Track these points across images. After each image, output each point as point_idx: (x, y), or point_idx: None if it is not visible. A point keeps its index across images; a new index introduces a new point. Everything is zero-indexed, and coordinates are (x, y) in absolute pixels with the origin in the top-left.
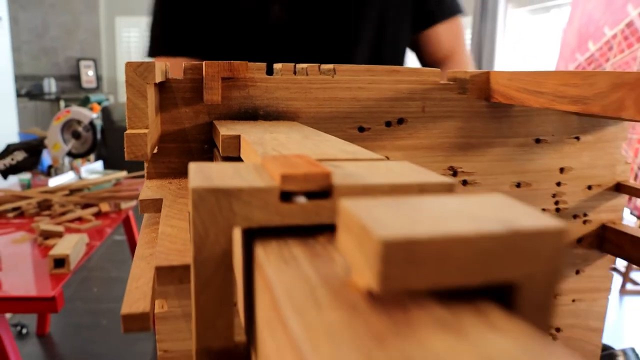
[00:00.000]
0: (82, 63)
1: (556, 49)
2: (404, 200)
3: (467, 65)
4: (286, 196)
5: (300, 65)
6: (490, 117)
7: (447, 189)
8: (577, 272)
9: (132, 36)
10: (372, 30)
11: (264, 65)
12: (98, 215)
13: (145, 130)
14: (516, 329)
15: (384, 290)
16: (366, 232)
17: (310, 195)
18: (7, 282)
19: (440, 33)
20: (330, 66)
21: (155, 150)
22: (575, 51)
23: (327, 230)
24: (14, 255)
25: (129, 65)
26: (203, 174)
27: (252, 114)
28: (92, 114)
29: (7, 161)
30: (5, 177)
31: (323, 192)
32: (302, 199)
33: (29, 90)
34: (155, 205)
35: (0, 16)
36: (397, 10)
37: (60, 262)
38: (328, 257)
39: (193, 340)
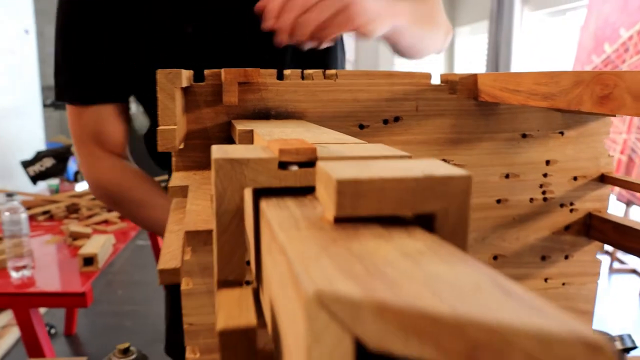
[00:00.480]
0: None
1: (573, 51)
2: (362, 161)
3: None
4: (283, 165)
5: (307, 71)
6: (479, 115)
7: (402, 158)
8: (566, 257)
9: None
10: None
11: (274, 71)
12: (123, 217)
13: (174, 126)
14: (428, 239)
15: (340, 215)
16: (329, 177)
17: (301, 164)
18: (41, 279)
19: None
20: (333, 71)
21: (181, 146)
22: (592, 53)
23: (313, 191)
24: (46, 255)
25: (161, 72)
26: (222, 150)
27: (264, 114)
28: None
29: (37, 167)
30: (35, 182)
31: (310, 162)
32: (294, 167)
33: (54, 101)
34: (182, 191)
35: (27, 30)
36: None
37: (89, 260)
38: (311, 206)
39: (214, 273)
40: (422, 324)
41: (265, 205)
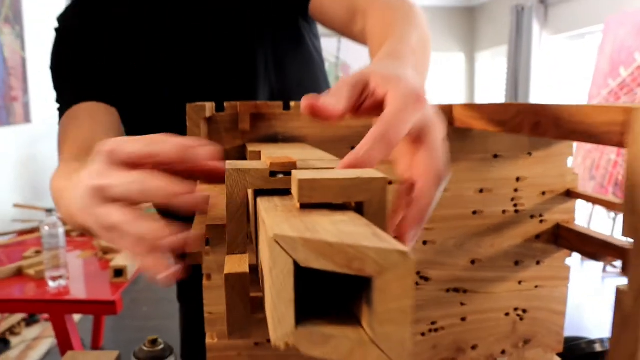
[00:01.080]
0: None
1: (590, 74)
2: (324, 170)
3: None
4: (273, 174)
5: None
6: (455, 138)
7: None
8: (538, 263)
9: None
10: (269, 66)
11: (281, 103)
12: None
13: None
14: (352, 215)
15: (302, 202)
16: (295, 179)
17: (285, 173)
18: (75, 289)
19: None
20: None
21: None
22: (608, 77)
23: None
24: (79, 267)
25: (190, 106)
26: (232, 164)
27: (273, 138)
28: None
29: None
30: None
31: (291, 171)
32: (280, 175)
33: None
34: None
35: None
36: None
37: (119, 272)
38: (289, 200)
39: (226, 248)
40: (325, 249)
41: (260, 200)
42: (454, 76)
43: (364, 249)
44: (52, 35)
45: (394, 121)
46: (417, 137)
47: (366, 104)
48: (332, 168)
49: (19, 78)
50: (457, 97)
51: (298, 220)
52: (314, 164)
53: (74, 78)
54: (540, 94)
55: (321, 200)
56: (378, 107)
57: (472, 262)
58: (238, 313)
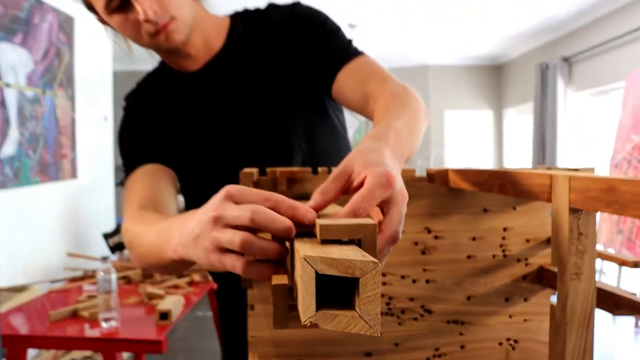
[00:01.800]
0: None
1: (614, 130)
2: (335, 219)
3: (393, 101)
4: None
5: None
6: (450, 196)
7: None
8: (525, 300)
9: None
10: (301, 138)
11: (310, 169)
12: (190, 283)
13: None
14: (354, 248)
15: (322, 238)
16: (318, 224)
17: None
18: (124, 329)
19: (344, 83)
20: None
21: None
22: (631, 132)
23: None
24: (127, 311)
25: (242, 172)
26: None
27: (305, 197)
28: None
29: (116, 239)
30: (113, 252)
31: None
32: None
33: (122, 180)
34: None
35: (106, 116)
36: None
37: (164, 315)
38: (315, 239)
39: (272, 280)
40: (332, 262)
41: (295, 240)
42: (483, 133)
43: (353, 261)
44: (100, 99)
45: (361, 202)
46: (384, 206)
47: (353, 186)
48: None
49: (69, 137)
50: (486, 152)
51: (318, 249)
52: (331, 215)
53: (138, 146)
54: (566, 149)
55: (334, 237)
56: (362, 186)
57: (468, 298)
58: (280, 311)
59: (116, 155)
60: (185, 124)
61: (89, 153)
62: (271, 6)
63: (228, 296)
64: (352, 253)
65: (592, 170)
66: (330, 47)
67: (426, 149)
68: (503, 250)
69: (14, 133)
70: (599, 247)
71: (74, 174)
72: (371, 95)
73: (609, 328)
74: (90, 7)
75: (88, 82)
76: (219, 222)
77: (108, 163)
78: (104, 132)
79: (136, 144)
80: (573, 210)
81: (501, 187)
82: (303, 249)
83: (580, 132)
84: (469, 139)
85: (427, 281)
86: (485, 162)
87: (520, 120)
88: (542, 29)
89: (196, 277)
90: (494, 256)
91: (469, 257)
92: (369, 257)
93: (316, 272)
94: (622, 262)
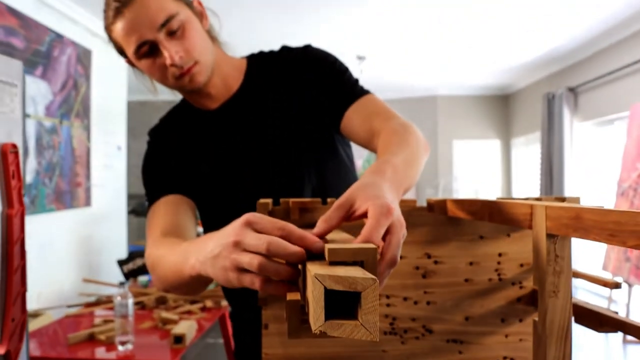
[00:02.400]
0: None
1: (619, 159)
2: (343, 243)
3: (394, 137)
4: None
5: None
6: (449, 224)
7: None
8: (520, 320)
9: None
10: (312, 171)
11: (320, 200)
12: (203, 309)
13: None
14: (357, 268)
15: (331, 260)
16: (327, 248)
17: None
18: (139, 352)
19: (351, 120)
20: None
21: None
22: (636, 161)
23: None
24: (141, 335)
25: (258, 203)
26: None
27: (314, 225)
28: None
29: (130, 266)
30: (127, 278)
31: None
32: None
33: (134, 208)
34: None
35: (120, 146)
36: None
37: (178, 339)
38: (324, 261)
39: (287, 289)
40: (339, 279)
41: (308, 262)
42: (491, 162)
43: (356, 278)
44: (115, 129)
45: (372, 231)
46: (385, 234)
47: (355, 215)
48: (349, 242)
49: (84, 165)
50: (494, 181)
51: (327, 269)
52: (338, 240)
53: (161, 178)
54: (574, 178)
55: (341, 259)
56: (363, 216)
57: (467, 318)
58: (293, 323)
59: (129, 184)
60: (206, 159)
61: (103, 182)
62: (284, 49)
63: (243, 316)
64: (355, 272)
65: (577, 200)
66: (340, 85)
67: (435, 178)
68: (498, 274)
69: (32, 162)
70: (608, 275)
71: (88, 202)
72: (375, 132)
73: (598, 342)
74: (121, 51)
75: (103, 113)
76: (238, 246)
77: (121, 191)
78: (118, 161)
79: (159, 176)
80: (550, 236)
81: (491, 215)
82: (314, 269)
83: (587, 161)
84: (478, 168)
85: (428, 303)
86: (493, 191)
87: (528, 150)
88: (548, 60)
89: (208, 303)
90: (490, 280)
91: (466, 280)
92: (369, 275)
93: (325, 287)
94: (604, 283)
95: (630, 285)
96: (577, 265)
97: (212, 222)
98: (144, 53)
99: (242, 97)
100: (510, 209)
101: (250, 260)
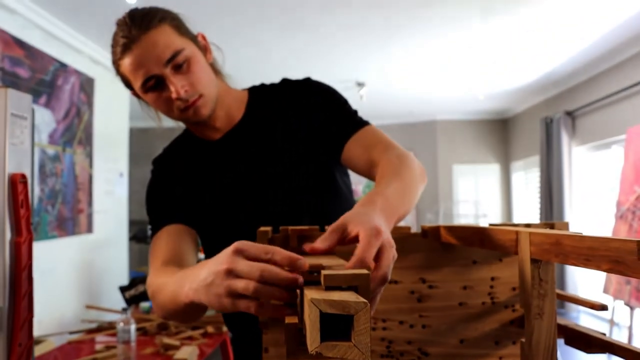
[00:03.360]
0: None
1: (617, 182)
2: (338, 269)
3: (393, 164)
4: (311, 272)
5: None
6: (442, 250)
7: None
8: (514, 342)
9: None
10: (310, 199)
11: (318, 227)
12: (204, 335)
13: None
14: (351, 294)
15: (326, 285)
16: (322, 274)
17: (318, 272)
18: None
19: (351, 151)
20: None
21: None
22: (634, 184)
23: None
24: None
25: (259, 231)
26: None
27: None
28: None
29: (132, 292)
30: (129, 304)
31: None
32: (316, 273)
33: (135, 234)
34: None
35: (122, 173)
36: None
37: None
38: (320, 286)
39: (286, 320)
40: (333, 303)
41: (305, 287)
42: (491, 186)
43: (349, 302)
44: (117, 156)
45: (364, 252)
46: (377, 254)
47: (347, 239)
48: (344, 268)
49: (86, 192)
50: (494, 205)
51: (323, 294)
52: (335, 267)
53: (164, 207)
54: (573, 201)
55: (336, 284)
56: (355, 239)
57: (461, 341)
58: (291, 345)
59: (131, 210)
60: (209, 188)
61: (104, 208)
62: (285, 81)
63: (243, 341)
64: (348, 296)
65: (566, 225)
66: (340, 116)
67: (435, 203)
68: (492, 298)
69: (35, 189)
70: (609, 298)
71: (90, 229)
72: (374, 162)
73: None
74: (128, 84)
75: (106, 140)
76: (231, 273)
77: (123, 218)
78: (120, 188)
79: (162, 205)
80: (534, 260)
81: (481, 242)
82: (310, 293)
83: (585, 184)
84: (478, 193)
85: (423, 326)
86: (494, 215)
87: (527, 173)
88: (545, 84)
89: (210, 328)
90: (483, 303)
91: (460, 304)
92: (361, 299)
93: (320, 311)
94: (591, 305)
95: (632, 308)
96: (578, 287)
97: (214, 250)
98: (151, 87)
99: (244, 128)
100: (498, 236)
101: (245, 286)
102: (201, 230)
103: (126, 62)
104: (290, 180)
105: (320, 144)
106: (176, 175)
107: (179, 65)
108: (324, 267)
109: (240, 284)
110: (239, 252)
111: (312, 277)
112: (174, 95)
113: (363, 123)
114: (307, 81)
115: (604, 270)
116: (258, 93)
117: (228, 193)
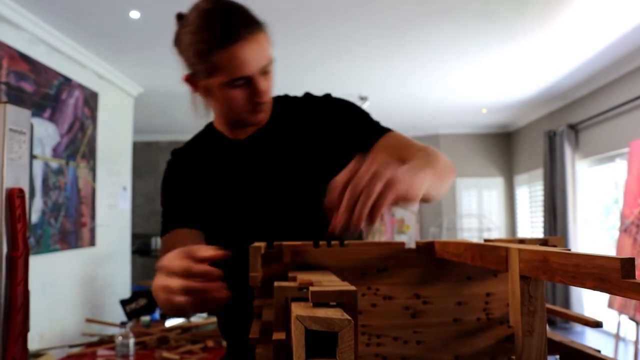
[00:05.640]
0: None
1: (621, 196)
2: (327, 286)
3: (423, 161)
4: (300, 288)
5: (332, 242)
6: (437, 266)
7: (342, 285)
8: (509, 359)
9: None
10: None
11: (312, 242)
12: (205, 349)
13: (257, 273)
14: (337, 310)
15: (313, 301)
16: (310, 291)
17: (307, 288)
18: None
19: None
20: (346, 242)
21: (259, 284)
22: (637, 196)
23: None
24: None
25: (252, 247)
26: (279, 283)
27: (306, 267)
28: None
29: (133, 306)
30: (130, 318)
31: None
32: (305, 289)
33: (138, 248)
34: (259, 309)
35: (125, 186)
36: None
37: None
38: (308, 302)
39: (274, 328)
40: (318, 320)
41: (293, 303)
42: (495, 199)
43: (334, 319)
44: (120, 170)
45: (357, 164)
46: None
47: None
48: (331, 284)
49: (89, 206)
50: (498, 218)
51: (309, 310)
52: (324, 283)
53: (174, 208)
54: (577, 214)
55: (323, 301)
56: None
57: (456, 358)
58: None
59: (134, 223)
60: (228, 183)
61: (107, 221)
62: (308, 94)
63: (238, 355)
64: (334, 313)
65: (561, 240)
66: (365, 124)
67: (438, 217)
68: (487, 314)
69: (38, 202)
70: (614, 312)
71: (92, 242)
72: (407, 160)
73: None
74: (195, 69)
75: (109, 153)
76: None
77: (126, 231)
78: (123, 202)
79: (172, 205)
80: (523, 277)
81: (473, 258)
82: (297, 310)
83: (589, 198)
84: (482, 207)
85: (418, 342)
86: (498, 228)
87: (531, 186)
88: (548, 97)
89: (210, 342)
90: (478, 319)
91: (455, 320)
92: (346, 316)
93: (305, 328)
94: (585, 322)
95: (637, 323)
96: (584, 301)
97: (219, 241)
98: (237, 85)
99: (269, 131)
100: (489, 252)
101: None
102: (208, 229)
103: (222, 54)
104: (309, 190)
105: (343, 155)
106: (194, 168)
107: (266, 72)
108: (312, 283)
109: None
110: (164, 269)
111: (302, 294)
112: (262, 99)
113: (388, 129)
114: (329, 96)
115: (589, 288)
116: (282, 101)
117: (243, 192)
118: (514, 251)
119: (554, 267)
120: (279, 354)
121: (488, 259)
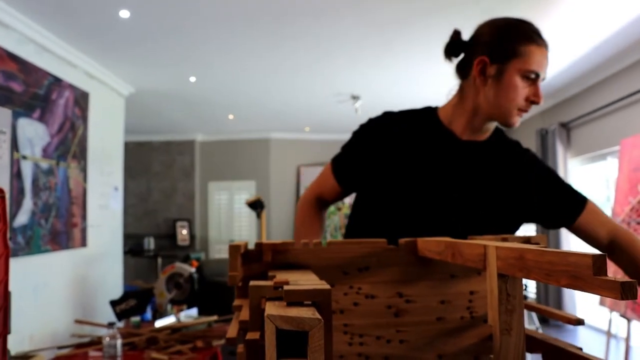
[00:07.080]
0: (178, 223)
1: (612, 193)
2: (303, 285)
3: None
4: (276, 287)
5: (314, 241)
6: (419, 264)
7: (319, 283)
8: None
9: (222, 199)
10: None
11: (292, 241)
12: (194, 350)
13: (237, 273)
14: (310, 309)
15: (287, 300)
16: (285, 289)
17: (282, 287)
18: None
19: (589, 221)
20: (328, 241)
21: (240, 284)
22: (628, 195)
23: None
24: None
25: (231, 246)
26: (254, 283)
27: (287, 266)
28: (192, 269)
29: (123, 306)
30: (119, 319)
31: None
32: (280, 288)
33: (131, 248)
34: (238, 308)
35: (117, 187)
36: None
37: None
38: (283, 302)
39: (249, 328)
40: (289, 319)
41: (267, 303)
42: None
43: (304, 318)
44: (111, 170)
45: None
46: None
47: None
48: (308, 283)
49: (80, 206)
50: None
51: (282, 309)
52: (301, 282)
53: (347, 166)
54: None
55: (297, 300)
56: None
57: (440, 357)
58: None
59: (126, 224)
60: (426, 170)
61: (99, 222)
62: (518, 143)
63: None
64: (305, 312)
65: (544, 237)
66: (568, 191)
67: None
68: (470, 312)
69: (27, 203)
70: (605, 310)
71: (83, 243)
72: (616, 231)
73: None
74: (487, 58)
75: (100, 154)
76: None
77: (117, 232)
78: (115, 202)
79: (346, 162)
80: (501, 275)
81: (453, 256)
82: (269, 309)
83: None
84: None
85: (401, 341)
86: None
87: None
88: None
89: (199, 343)
90: (462, 318)
91: (438, 319)
92: (316, 315)
93: (277, 327)
94: (567, 320)
95: (628, 320)
96: (576, 299)
97: (371, 217)
98: (527, 76)
99: (485, 148)
100: (468, 250)
101: None
102: (389, 198)
103: (531, 46)
104: (486, 218)
105: (531, 211)
106: (400, 140)
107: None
108: (288, 282)
109: None
110: None
111: (278, 293)
112: (537, 100)
113: (585, 199)
114: (533, 154)
115: (563, 286)
116: (501, 134)
117: (441, 185)
118: (492, 249)
119: (529, 265)
120: (252, 353)
121: (467, 257)
